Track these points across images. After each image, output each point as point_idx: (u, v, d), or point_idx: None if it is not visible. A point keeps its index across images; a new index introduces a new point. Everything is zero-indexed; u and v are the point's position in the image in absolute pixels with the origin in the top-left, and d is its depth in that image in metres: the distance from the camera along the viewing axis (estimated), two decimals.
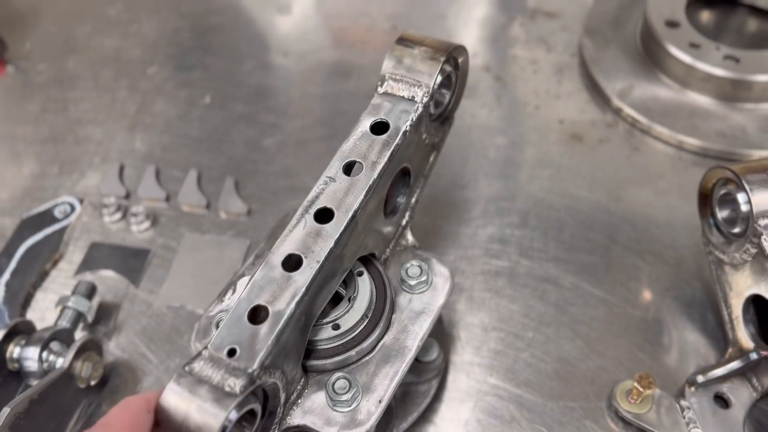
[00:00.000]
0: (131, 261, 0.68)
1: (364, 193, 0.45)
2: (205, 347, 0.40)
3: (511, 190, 0.71)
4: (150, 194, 0.73)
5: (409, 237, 0.56)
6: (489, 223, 0.68)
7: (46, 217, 0.72)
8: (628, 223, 0.68)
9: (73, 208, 0.72)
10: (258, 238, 0.69)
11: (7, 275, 0.67)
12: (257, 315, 0.40)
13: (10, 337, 0.56)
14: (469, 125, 0.76)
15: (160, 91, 0.85)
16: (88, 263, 0.68)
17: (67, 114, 0.83)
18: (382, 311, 0.47)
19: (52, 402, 0.54)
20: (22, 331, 0.58)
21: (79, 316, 0.60)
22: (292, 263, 0.42)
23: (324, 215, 0.44)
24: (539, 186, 0.71)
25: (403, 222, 0.56)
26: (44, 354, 0.56)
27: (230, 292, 0.51)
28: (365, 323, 0.46)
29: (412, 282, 0.50)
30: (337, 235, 0.43)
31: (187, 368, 0.39)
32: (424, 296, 0.50)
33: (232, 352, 0.39)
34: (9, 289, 0.66)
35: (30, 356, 0.56)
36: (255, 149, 0.78)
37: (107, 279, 0.67)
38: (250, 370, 0.38)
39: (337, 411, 0.44)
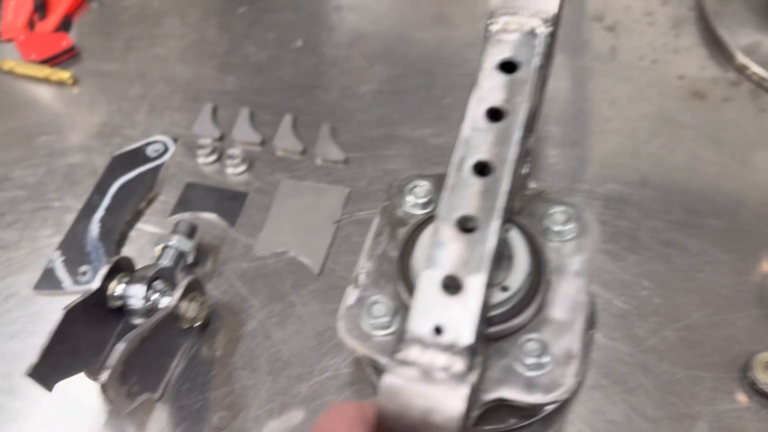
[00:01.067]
0: (228, 204, 0.66)
1: (517, 138, 0.42)
2: (402, 331, 0.37)
3: (629, 147, 0.66)
4: (245, 137, 0.71)
5: (533, 184, 0.52)
6: (607, 180, 0.64)
7: (138, 156, 0.69)
8: (756, 188, 0.63)
9: (166, 148, 0.70)
10: (357, 186, 0.66)
11: (101, 212, 0.65)
12: (450, 286, 0.37)
13: (112, 274, 0.55)
14: (581, 78, 0.72)
15: (249, 32, 0.81)
16: (184, 204, 0.66)
17: (153, 51, 0.81)
18: (540, 265, 0.44)
19: (158, 341, 0.52)
20: (123, 268, 0.56)
21: (180, 256, 0.58)
22: (467, 226, 0.39)
23: (482, 169, 0.41)
24: (660, 144, 0.66)
25: (527, 169, 0.52)
26: (148, 292, 0.54)
27: (363, 276, 0.48)
28: (531, 280, 0.43)
29: (558, 229, 0.47)
30: (506, 188, 0.39)
31: (397, 358, 0.36)
32: (575, 243, 0.47)
33: (438, 330, 0.36)
34: (104, 225, 0.64)
35: (135, 294, 0.54)
36: (349, 96, 0.74)
37: (204, 220, 0.64)
38: (467, 345, 0.35)
39: (531, 375, 0.41)
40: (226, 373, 0.55)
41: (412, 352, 0.36)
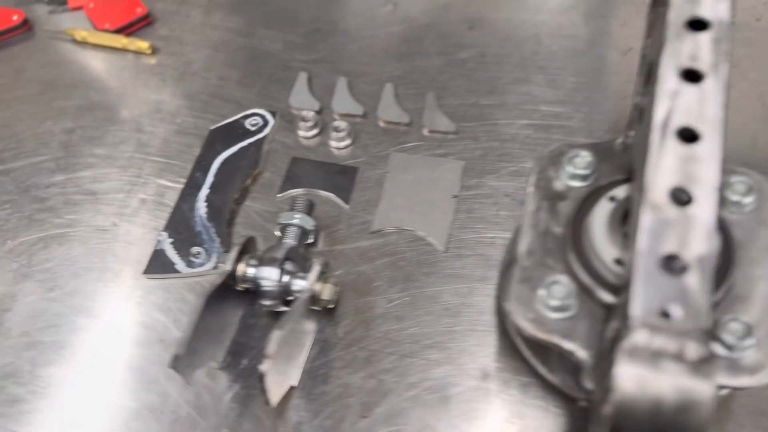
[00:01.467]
0: (338, 179, 0.62)
1: (720, 100, 0.38)
2: (625, 316, 0.34)
3: (760, 113, 0.63)
4: (346, 108, 0.67)
5: None
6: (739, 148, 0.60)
7: (237, 130, 0.66)
8: None
9: (265, 121, 0.66)
10: (472, 158, 0.63)
11: (205, 189, 0.62)
12: (672, 265, 0.34)
13: (239, 256, 0.52)
14: None
15: None
16: (292, 180, 0.62)
17: (234, 19, 0.76)
18: (728, 240, 0.41)
19: (298, 324, 0.50)
20: (247, 249, 0.53)
21: (304, 234, 0.55)
22: (680, 198, 0.36)
23: (689, 135, 0.37)
24: None
25: None
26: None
27: (525, 254, 0.44)
28: (722, 255, 0.40)
29: (738, 199, 0.44)
30: (718, 154, 0.36)
31: (628, 345, 0.33)
32: (755, 215, 0.44)
33: (666, 314, 0.33)
34: (211, 205, 0.61)
35: (268, 276, 0.51)
36: (450, 63, 0.70)
37: (315, 197, 0.61)
38: (702, 327, 0.32)
39: (734, 357, 0.39)
40: (363, 357, 0.52)
41: (641, 339, 0.33)
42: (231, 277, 0.51)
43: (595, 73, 0.69)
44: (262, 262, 0.51)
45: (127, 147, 0.66)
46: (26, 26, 0.77)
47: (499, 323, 0.53)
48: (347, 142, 0.64)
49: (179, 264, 0.57)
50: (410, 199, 0.61)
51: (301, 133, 0.65)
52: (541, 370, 0.49)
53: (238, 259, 0.51)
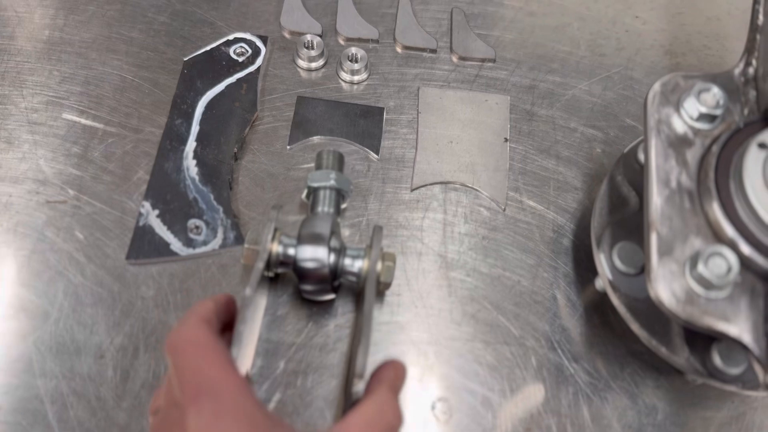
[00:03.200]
0: (361, 123, 0.50)
1: None
2: None
3: None
4: (355, 31, 0.53)
5: None
6: None
7: (220, 61, 0.51)
8: None
9: (254, 49, 0.52)
10: (518, 91, 0.52)
11: (192, 142, 0.47)
12: None
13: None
14: None
15: None
16: (302, 126, 0.49)
17: None
18: None
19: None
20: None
21: (339, 198, 0.43)
22: None
23: None
24: None
25: None
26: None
27: (659, 218, 0.35)
28: None
29: None
30: None
31: None
32: None
33: None
34: (203, 162, 0.47)
35: (314, 256, 0.39)
36: None
37: (336, 147, 0.49)
38: None
39: None
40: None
41: None
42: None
43: None
44: (303, 239, 0.39)
45: (73, 87, 0.50)
46: None
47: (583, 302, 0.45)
48: (364, 75, 0.52)
49: (174, 243, 0.44)
50: (452, 146, 0.49)
51: (303, 63, 0.52)
52: (656, 345, 0.41)
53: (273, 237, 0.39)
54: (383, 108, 0.50)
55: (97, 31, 0.53)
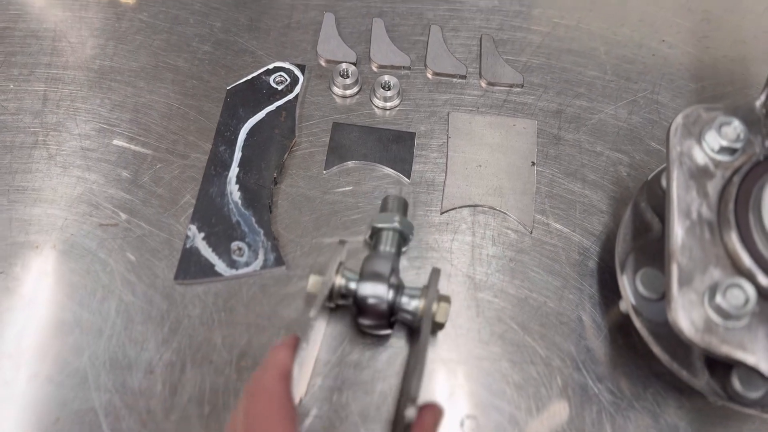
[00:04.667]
0: (394, 148, 0.52)
1: None
2: None
3: None
4: (388, 59, 0.56)
5: None
6: None
7: (261, 90, 0.54)
8: None
9: (293, 78, 0.54)
10: (546, 117, 0.54)
11: (235, 168, 0.50)
12: None
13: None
14: None
15: None
16: (338, 151, 0.52)
17: None
18: None
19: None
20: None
21: (401, 240, 0.46)
22: None
23: None
24: None
25: None
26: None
27: (679, 249, 0.37)
28: None
29: None
30: None
31: None
32: None
33: None
34: (244, 187, 0.49)
35: (374, 292, 0.41)
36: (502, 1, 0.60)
37: (369, 170, 0.51)
38: None
39: None
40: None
41: None
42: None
43: None
44: (365, 276, 0.42)
45: (123, 114, 0.53)
46: None
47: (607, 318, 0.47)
48: (396, 101, 0.54)
49: (219, 265, 0.46)
50: (481, 169, 0.52)
51: (338, 91, 0.54)
52: (677, 368, 0.43)
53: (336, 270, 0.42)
54: (414, 133, 0.53)
55: (144, 60, 0.56)
